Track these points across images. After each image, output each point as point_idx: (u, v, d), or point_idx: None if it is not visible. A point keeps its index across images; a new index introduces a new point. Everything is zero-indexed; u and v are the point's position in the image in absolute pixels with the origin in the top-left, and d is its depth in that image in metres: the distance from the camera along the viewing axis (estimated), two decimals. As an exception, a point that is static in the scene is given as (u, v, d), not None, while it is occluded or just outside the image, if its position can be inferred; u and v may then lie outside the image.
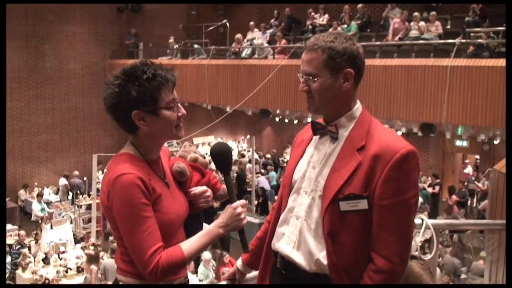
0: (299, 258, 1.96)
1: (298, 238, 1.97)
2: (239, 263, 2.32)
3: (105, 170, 2.01)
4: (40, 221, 12.12)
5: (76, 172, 16.79)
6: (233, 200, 2.04)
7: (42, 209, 14.50)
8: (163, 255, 1.85)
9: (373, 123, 1.94)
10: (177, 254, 1.88)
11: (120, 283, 1.99)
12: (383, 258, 1.81)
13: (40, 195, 15.03)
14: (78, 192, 15.68)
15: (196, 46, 16.23)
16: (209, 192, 2.23)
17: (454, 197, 13.40)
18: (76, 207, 14.41)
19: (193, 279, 8.77)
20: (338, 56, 1.88)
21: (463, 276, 9.39)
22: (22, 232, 11.60)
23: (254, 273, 2.33)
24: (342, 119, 1.95)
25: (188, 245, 1.93)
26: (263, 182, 16.50)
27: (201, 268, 9.45)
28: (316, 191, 1.93)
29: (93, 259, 9.62)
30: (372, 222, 1.84)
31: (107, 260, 9.48)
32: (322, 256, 1.89)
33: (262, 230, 2.30)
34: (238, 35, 15.05)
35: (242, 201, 2.03)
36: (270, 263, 2.15)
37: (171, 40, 17.16)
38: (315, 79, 1.90)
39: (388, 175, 1.79)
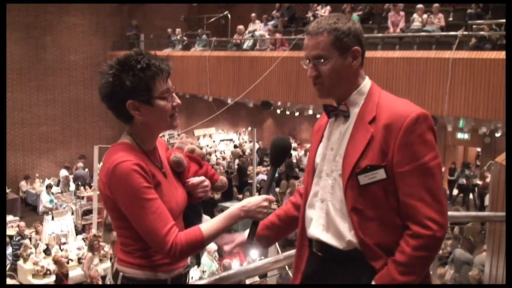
0: (330, 239, 1.97)
1: (326, 220, 1.99)
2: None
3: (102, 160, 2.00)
4: (49, 212, 12.17)
5: (81, 164, 16.81)
6: (266, 192, 2.06)
7: (51, 201, 14.57)
8: (182, 235, 1.86)
9: (382, 94, 1.96)
10: (196, 233, 1.88)
11: (121, 273, 1.99)
12: (416, 224, 1.80)
13: (49, 187, 15.10)
14: (79, 183, 15.71)
15: (204, 36, 16.20)
16: (207, 182, 2.23)
17: None
18: (77, 198, 14.45)
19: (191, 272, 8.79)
20: (345, 35, 1.90)
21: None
22: (22, 224, 11.63)
23: (268, 259, 2.34)
24: (351, 96, 1.97)
25: (207, 226, 1.93)
26: (263, 175, 16.51)
27: (204, 258, 9.46)
28: (336, 171, 1.96)
29: (91, 247, 9.77)
30: (393, 192, 1.85)
31: None
32: (351, 234, 1.91)
33: (284, 209, 2.32)
34: (240, 27, 14.99)
35: (273, 198, 2.05)
36: (305, 251, 2.14)
37: (178, 30, 17.13)
38: (326, 61, 1.91)
39: (402, 141, 1.80)
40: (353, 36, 1.91)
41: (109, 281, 9.07)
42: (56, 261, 9.78)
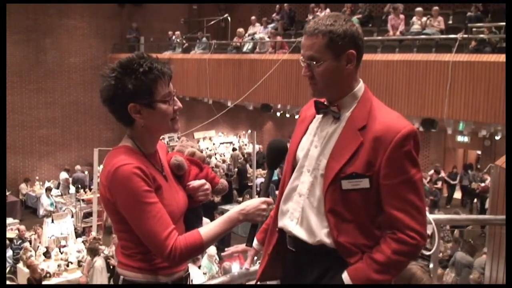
0: (302, 233, 1.98)
1: (301, 214, 2.00)
2: (254, 243, 2.34)
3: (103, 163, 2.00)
4: (50, 215, 12.15)
5: (79, 166, 16.81)
6: (264, 195, 2.08)
7: (52, 204, 14.55)
8: (182, 239, 1.86)
9: (374, 103, 1.96)
10: (195, 237, 1.89)
11: (121, 277, 1.99)
12: (400, 232, 1.83)
13: (49, 189, 15.10)
14: (79, 186, 15.71)
15: (204, 39, 16.22)
16: (208, 185, 2.23)
17: None
18: (77, 201, 14.45)
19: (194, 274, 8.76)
20: (340, 38, 1.88)
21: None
22: (22, 227, 11.61)
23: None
24: (344, 99, 1.96)
25: (207, 230, 1.93)
26: (262, 178, 16.51)
27: (204, 261, 9.46)
28: (318, 170, 1.96)
29: (92, 251, 9.74)
30: (372, 201, 1.87)
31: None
32: (324, 232, 1.92)
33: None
34: (240, 29, 14.99)
35: (271, 200, 2.06)
36: (274, 237, 2.16)
37: (177, 33, 17.14)
38: (319, 63, 1.90)
39: (390, 155, 1.82)
40: (348, 39, 1.89)
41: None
42: (28, 266, 9.48)
